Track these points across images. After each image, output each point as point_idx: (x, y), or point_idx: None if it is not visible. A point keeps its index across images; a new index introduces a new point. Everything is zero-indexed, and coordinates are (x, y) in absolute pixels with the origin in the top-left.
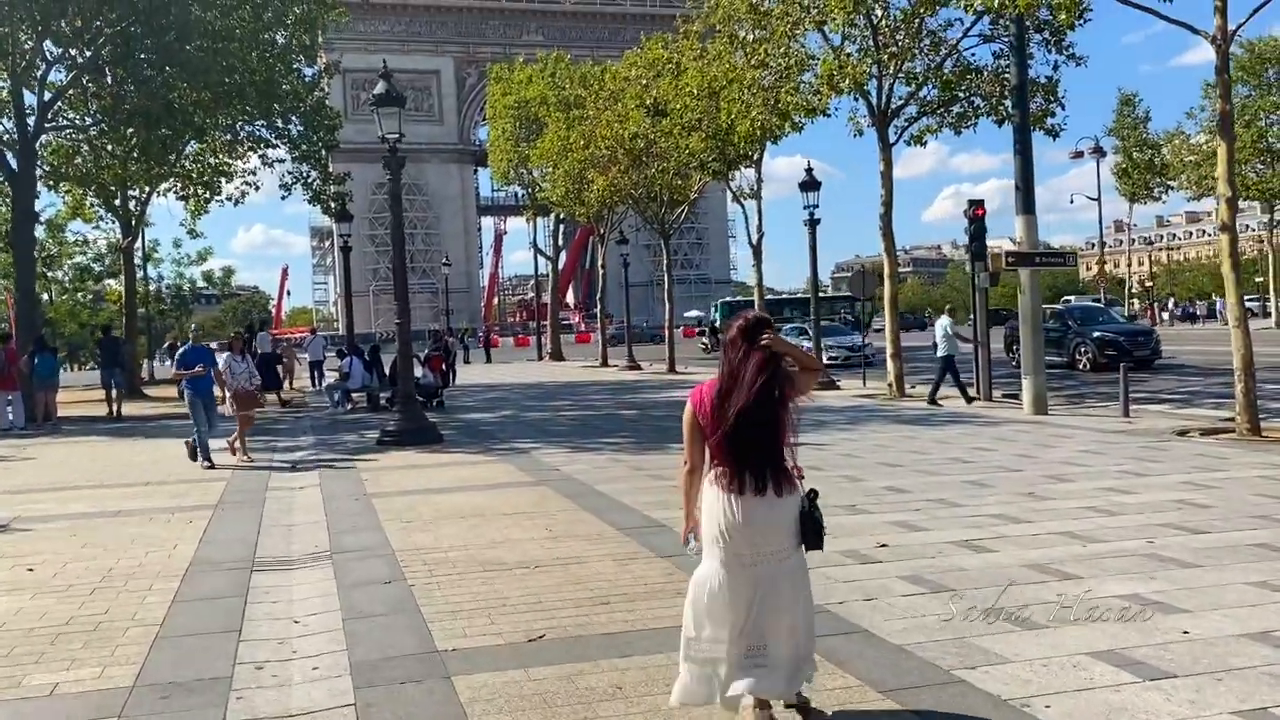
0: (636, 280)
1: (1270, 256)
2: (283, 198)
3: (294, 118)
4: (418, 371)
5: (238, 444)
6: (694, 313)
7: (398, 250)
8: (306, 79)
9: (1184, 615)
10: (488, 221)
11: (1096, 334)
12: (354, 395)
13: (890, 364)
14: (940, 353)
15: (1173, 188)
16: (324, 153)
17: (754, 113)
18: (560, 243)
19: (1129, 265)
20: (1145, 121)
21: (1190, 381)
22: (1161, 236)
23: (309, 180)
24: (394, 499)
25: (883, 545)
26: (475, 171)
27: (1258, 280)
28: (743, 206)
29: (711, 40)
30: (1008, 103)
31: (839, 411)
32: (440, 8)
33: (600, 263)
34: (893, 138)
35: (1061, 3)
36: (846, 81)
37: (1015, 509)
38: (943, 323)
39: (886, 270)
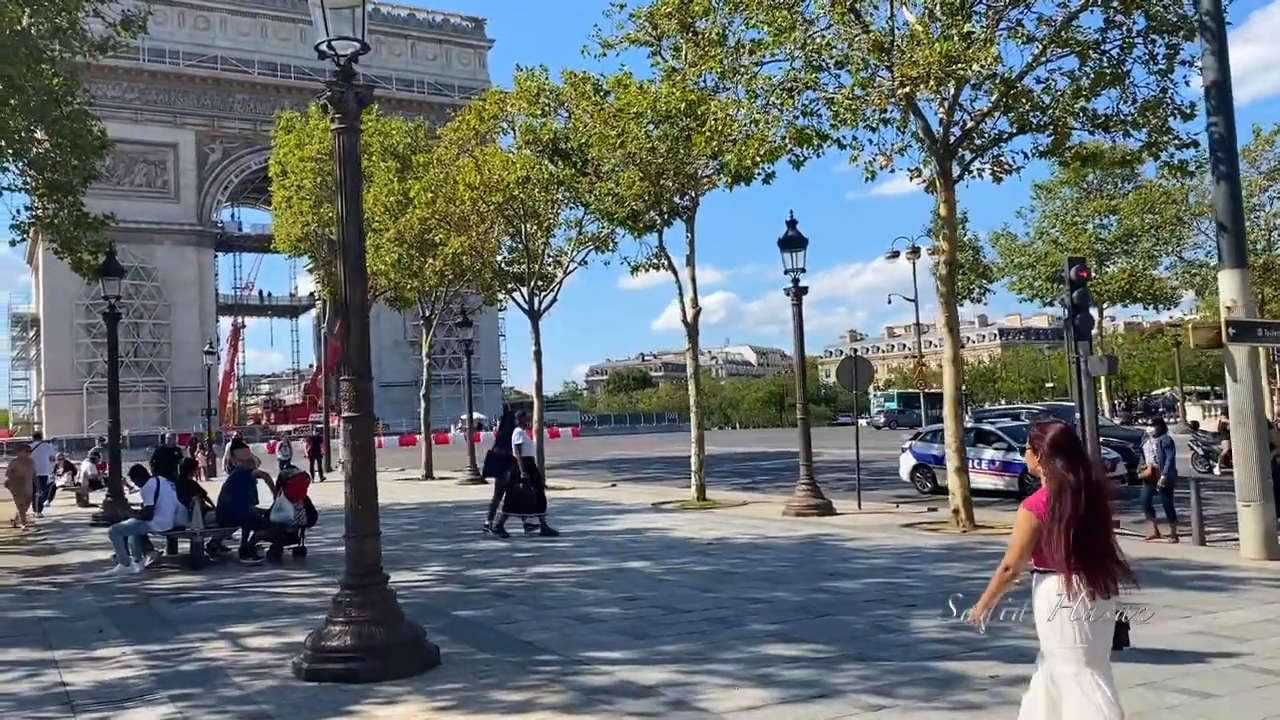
0: (397, 379)
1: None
2: (13, 243)
3: (40, 128)
4: (266, 499)
5: None
6: (475, 415)
7: (354, 261)
8: (61, 76)
9: None
10: (225, 319)
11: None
12: (153, 541)
13: (954, 480)
14: None
15: (990, 289)
16: (79, 184)
17: (776, 128)
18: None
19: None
20: (963, 223)
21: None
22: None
23: (56, 220)
24: None
25: None
26: (215, 257)
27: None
28: (675, 274)
29: (678, 45)
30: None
31: (913, 564)
32: (180, 76)
33: (425, 353)
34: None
35: None
36: (974, 67)
37: None
38: None
39: (947, 353)
